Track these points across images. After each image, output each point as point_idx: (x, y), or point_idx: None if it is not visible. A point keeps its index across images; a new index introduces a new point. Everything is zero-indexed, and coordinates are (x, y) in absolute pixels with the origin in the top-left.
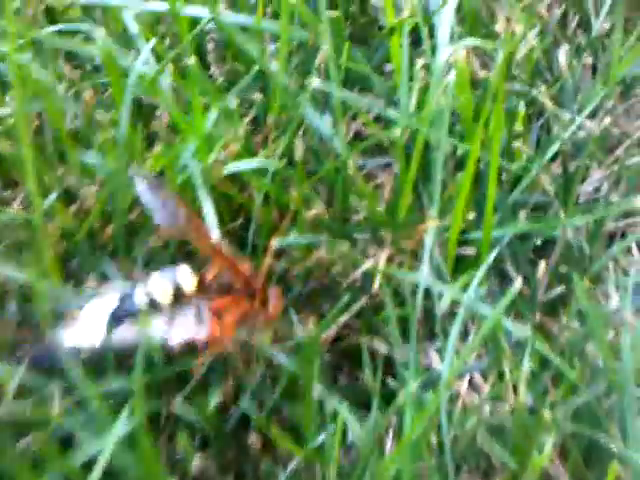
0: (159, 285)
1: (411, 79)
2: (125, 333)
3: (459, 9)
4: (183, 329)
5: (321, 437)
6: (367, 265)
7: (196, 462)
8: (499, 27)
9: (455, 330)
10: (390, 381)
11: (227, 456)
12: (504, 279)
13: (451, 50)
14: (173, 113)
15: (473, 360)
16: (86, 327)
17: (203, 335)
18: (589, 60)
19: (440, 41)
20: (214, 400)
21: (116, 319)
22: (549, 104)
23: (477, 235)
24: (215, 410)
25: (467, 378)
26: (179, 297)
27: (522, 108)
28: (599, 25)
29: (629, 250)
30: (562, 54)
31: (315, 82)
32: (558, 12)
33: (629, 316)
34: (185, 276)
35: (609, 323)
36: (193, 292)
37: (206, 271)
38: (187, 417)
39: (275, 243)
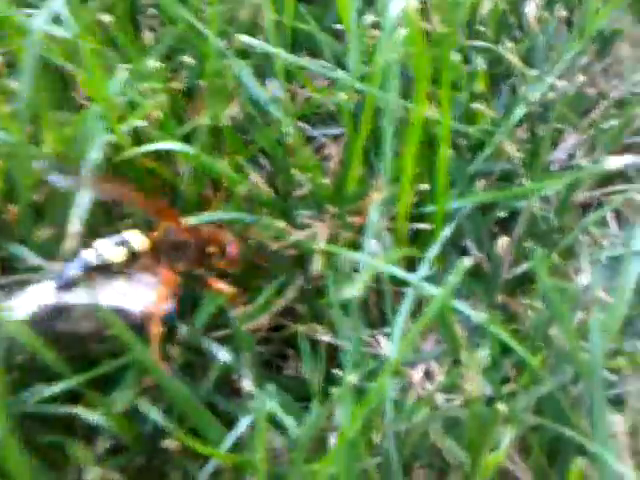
0: (110, 246)
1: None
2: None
3: None
4: (141, 294)
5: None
6: (307, 243)
7: (92, 475)
8: None
9: (403, 312)
10: (337, 372)
11: (142, 460)
12: (464, 256)
13: (403, 3)
14: (80, 76)
15: (430, 347)
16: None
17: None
18: (562, 13)
19: None
20: (122, 401)
21: (65, 285)
22: (517, 62)
23: (433, 208)
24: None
25: (422, 367)
26: (133, 257)
27: (483, 65)
28: None
29: (604, 222)
30: (531, 6)
31: (243, 38)
32: None
33: (600, 293)
34: (135, 237)
35: (578, 302)
36: (146, 251)
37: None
38: (91, 421)
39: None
